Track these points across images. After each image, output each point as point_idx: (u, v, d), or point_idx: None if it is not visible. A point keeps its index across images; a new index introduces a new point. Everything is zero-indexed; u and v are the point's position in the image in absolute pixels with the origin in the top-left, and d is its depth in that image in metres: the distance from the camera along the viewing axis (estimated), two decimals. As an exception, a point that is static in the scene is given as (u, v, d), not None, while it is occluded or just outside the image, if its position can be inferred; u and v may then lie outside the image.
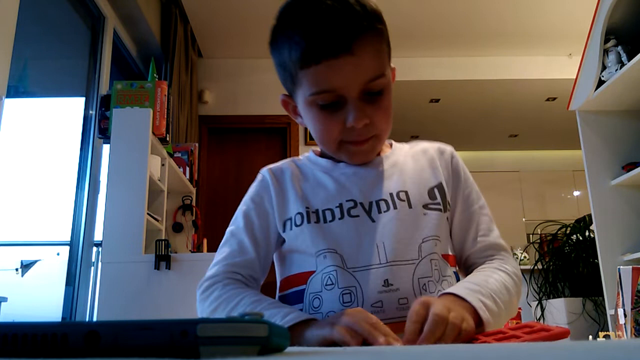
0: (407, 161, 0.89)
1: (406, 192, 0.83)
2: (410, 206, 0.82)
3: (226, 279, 0.81)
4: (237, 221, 0.88)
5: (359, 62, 0.74)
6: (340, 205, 0.82)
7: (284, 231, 0.85)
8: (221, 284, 0.80)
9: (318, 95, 0.77)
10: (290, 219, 0.84)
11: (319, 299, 0.78)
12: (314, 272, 0.80)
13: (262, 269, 0.86)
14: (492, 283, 0.74)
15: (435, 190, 0.85)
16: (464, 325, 0.62)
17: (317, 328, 0.67)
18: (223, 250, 0.86)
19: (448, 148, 0.93)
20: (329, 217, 0.81)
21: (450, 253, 0.85)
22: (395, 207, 0.81)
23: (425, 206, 0.83)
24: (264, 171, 0.91)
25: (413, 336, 0.60)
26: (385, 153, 0.90)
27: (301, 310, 0.79)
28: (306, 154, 0.93)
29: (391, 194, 0.83)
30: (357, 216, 0.81)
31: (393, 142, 0.94)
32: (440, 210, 0.83)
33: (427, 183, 0.86)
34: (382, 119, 0.80)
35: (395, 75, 0.86)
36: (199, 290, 0.82)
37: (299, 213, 0.83)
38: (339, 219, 0.81)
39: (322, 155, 0.91)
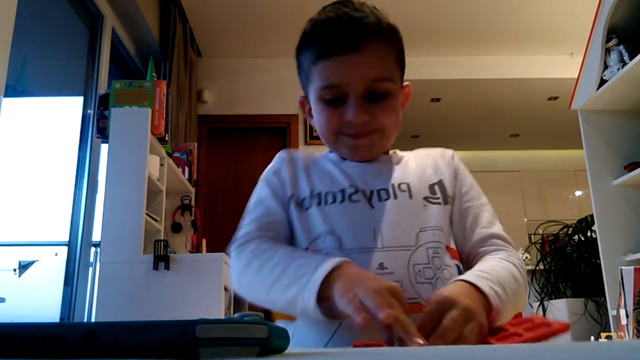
0: (410, 160, 0.94)
1: (408, 184, 0.87)
2: (410, 197, 0.85)
3: (259, 236, 0.83)
4: (261, 192, 0.91)
5: (364, 60, 0.81)
6: (343, 190, 0.86)
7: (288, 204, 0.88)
8: (256, 240, 0.82)
9: (325, 89, 0.84)
10: (297, 200, 0.88)
11: None
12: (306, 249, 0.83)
13: (287, 234, 0.87)
14: (500, 272, 0.76)
15: (436, 187, 0.88)
16: (477, 337, 0.62)
17: (339, 294, 0.65)
18: (250, 215, 0.88)
19: (449, 150, 0.98)
20: (330, 200, 0.85)
21: (452, 246, 0.86)
22: (395, 197, 0.85)
23: (426, 199, 0.86)
24: (282, 152, 0.97)
25: (424, 332, 0.61)
26: (390, 154, 0.95)
27: None
28: (320, 153, 0.99)
29: (393, 185, 0.87)
30: (358, 201, 0.84)
31: (396, 150, 0.98)
32: (440, 203, 0.86)
33: (429, 179, 0.89)
34: (384, 115, 0.85)
35: (410, 92, 0.94)
36: (232, 247, 0.84)
37: (304, 199, 0.87)
38: (340, 202, 0.84)
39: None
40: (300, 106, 0.96)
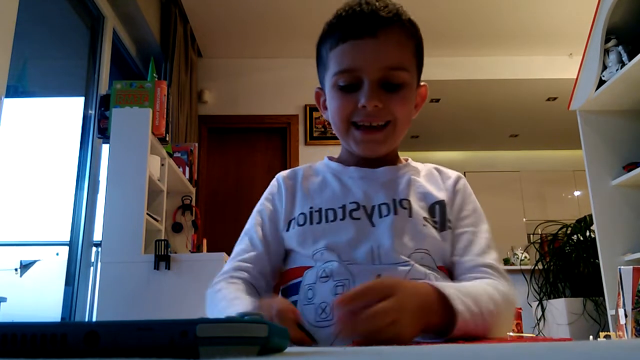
0: (418, 176, 0.92)
1: (409, 202, 0.86)
2: (410, 215, 0.84)
3: (232, 277, 0.86)
4: (250, 220, 0.93)
5: (381, 46, 0.81)
6: (344, 207, 0.85)
7: (287, 230, 0.88)
8: (225, 282, 0.85)
9: (341, 74, 0.83)
10: (294, 218, 0.88)
11: (312, 290, 0.81)
12: (311, 266, 0.83)
13: (272, 264, 0.89)
14: (477, 289, 0.72)
15: (437, 207, 0.87)
16: (387, 319, 0.59)
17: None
18: (236, 248, 0.91)
19: (456, 172, 0.96)
20: (330, 217, 0.85)
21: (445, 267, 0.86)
22: (395, 213, 0.84)
23: (425, 219, 0.84)
24: (278, 175, 0.96)
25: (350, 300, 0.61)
26: (400, 164, 0.93)
27: (295, 302, 0.82)
28: (322, 161, 0.98)
29: (394, 200, 0.85)
30: (359, 219, 0.84)
31: (409, 159, 0.96)
32: (437, 228, 0.84)
33: (430, 199, 0.88)
34: (398, 106, 0.83)
35: (426, 93, 0.93)
36: (211, 284, 0.87)
37: (302, 213, 0.87)
38: (341, 219, 0.84)
39: (337, 160, 0.95)
40: (315, 97, 0.95)
